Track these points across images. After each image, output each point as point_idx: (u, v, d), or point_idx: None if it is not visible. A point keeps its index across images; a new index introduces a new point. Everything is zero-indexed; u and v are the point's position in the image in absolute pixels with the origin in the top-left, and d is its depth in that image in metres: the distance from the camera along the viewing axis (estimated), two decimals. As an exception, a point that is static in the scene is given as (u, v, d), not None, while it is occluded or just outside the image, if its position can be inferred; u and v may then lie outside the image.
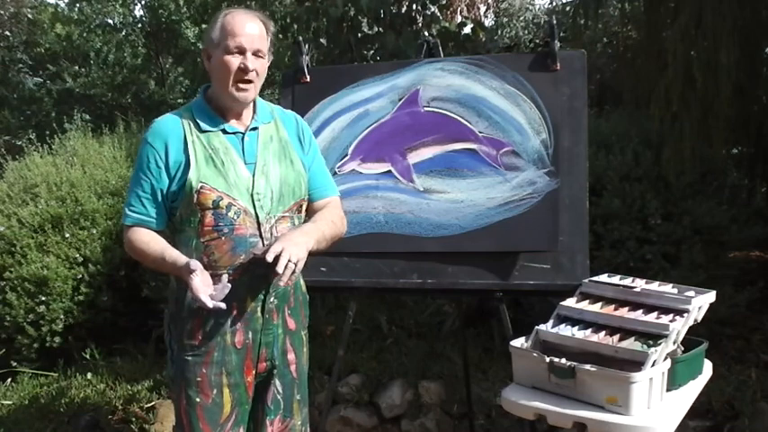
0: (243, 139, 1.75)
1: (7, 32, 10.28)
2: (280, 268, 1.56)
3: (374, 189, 2.32)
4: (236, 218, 1.69)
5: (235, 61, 1.68)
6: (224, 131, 1.74)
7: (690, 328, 1.70)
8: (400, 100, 2.35)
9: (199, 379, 1.71)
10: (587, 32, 4.66)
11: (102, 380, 3.52)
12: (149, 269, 1.97)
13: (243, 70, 1.68)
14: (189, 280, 1.58)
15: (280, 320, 1.76)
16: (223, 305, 1.58)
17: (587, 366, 1.58)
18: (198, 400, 1.72)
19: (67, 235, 3.84)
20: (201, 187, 1.67)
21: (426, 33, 4.74)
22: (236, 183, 1.70)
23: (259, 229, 1.73)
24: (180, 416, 1.76)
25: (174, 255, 1.68)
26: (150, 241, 1.72)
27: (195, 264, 1.60)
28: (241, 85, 1.70)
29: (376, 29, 4.88)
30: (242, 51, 1.68)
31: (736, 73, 2.89)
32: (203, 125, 1.73)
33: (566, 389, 1.62)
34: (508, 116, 2.24)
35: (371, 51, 4.82)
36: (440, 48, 2.46)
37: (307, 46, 2.48)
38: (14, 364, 3.73)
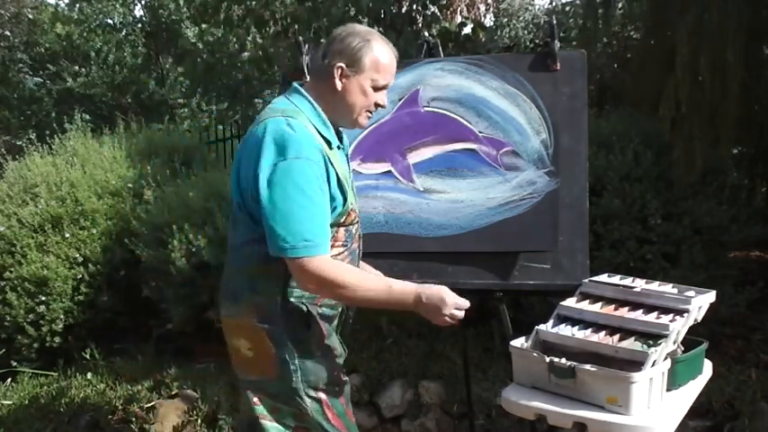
0: (347, 155, 1.80)
1: (7, 32, 10.29)
2: None
3: (374, 189, 2.32)
4: (355, 232, 1.76)
5: (376, 97, 1.71)
6: (338, 147, 1.73)
7: (690, 328, 1.70)
8: (400, 100, 2.35)
9: (345, 378, 1.78)
10: (588, 32, 4.65)
11: (102, 380, 3.52)
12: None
13: (377, 105, 1.73)
14: (448, 304, 1.63)
15: None
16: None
17: (587, 366, 1.58)
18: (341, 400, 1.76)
19: (67, 235, 3.84)
20: (351, 206, 1.70)
21: (426, 33, 4.74)
22: (354, 199, 1.75)
23: (360, 240, 1.82)
24: (326, 418, 1.71)
25: (399, 282, 1.66)
26: (356, 269, 1.67)
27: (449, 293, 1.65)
28: (368, 115, 1.73)
29: (376, 29, 4.88)
30: (384, 88, 1.72)
31: (741, 72, 2.89)
32: (332, 141, 1.68)
33: (566, 389, 1.62)
34: (508, 116, 2.24)
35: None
36: (440, 48, 2.46)
37: (307, 46, 2.48)
38: (14, 364, 3.74)
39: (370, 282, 1.66)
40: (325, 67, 1.67)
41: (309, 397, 1.69)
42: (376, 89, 1.69)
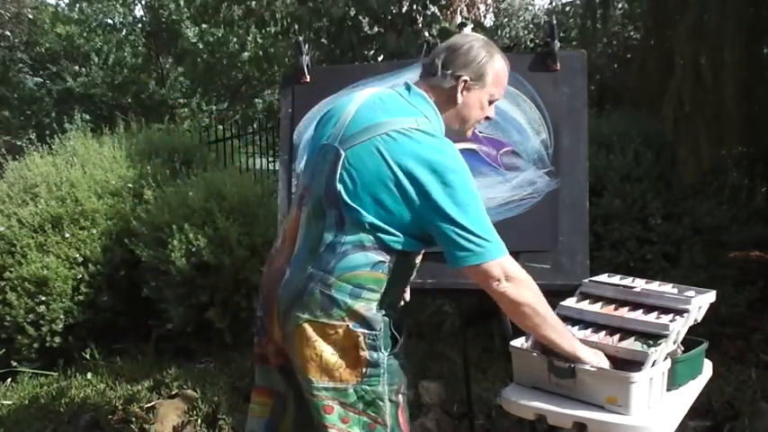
0: None
1: (8, 32, 10.29)
2: None
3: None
4: None
5: (488, 110, 1.72)
6: None
7: (690, 328, 1.70)
8: (400, 100, 2.34)
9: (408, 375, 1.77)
10: (588, 32, 4.66)
11: (102, 380, 3.52)
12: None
13: (486, 118, 1.75)
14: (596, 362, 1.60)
15: None
16: None
17: (587, 366, 1.58)
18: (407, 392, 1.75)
19: (67, 235, 3.84)
20: None
21: (426, 33, 4.74)
22: None
23: None
24: (397, 423, 1.69)
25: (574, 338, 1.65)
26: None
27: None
28: (475, 127, 1.76)
29: (376, 29, 4.88)
30: (497, 101, 1.74)
31: (741, 72, 2.89)
32: None
33: (566, 389, 1.62)
34: (508, 116, 2.23)
35: (372, 51, 4.83)
36: (440, 48, 2.46)
37: (307, 46, 2.47)
38: (14, 364, 3.73)
39: (552, 319, 1.62)
40: (448, 78, 1.66)
41: (391, 401, 1.66)
42: (492, 101, 1.71)
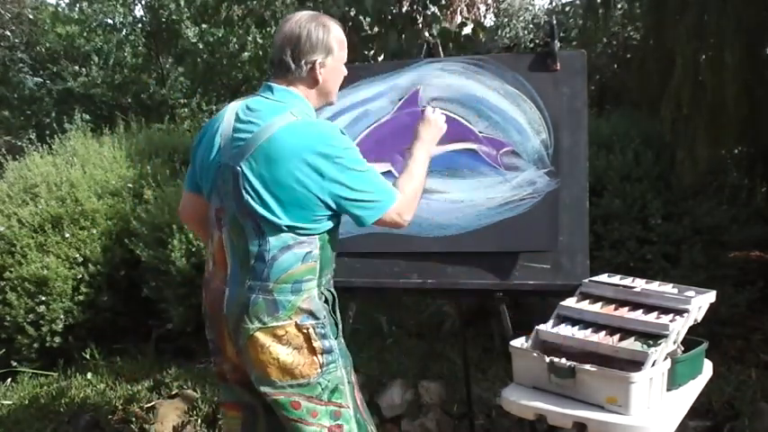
0: None
1: (8, 32, 10.29)
2: None
3: (374, 189, 2.31)
4: None
5: (345, 70, 1.81)
6: None
7: (690, 328, 1.70)
8: (400, 100, 2.35)
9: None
10: (588, 32, 4.66)
11: (102, 380, 3.53)
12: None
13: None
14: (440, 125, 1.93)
15: None
16: None
17: (587, 366, 1.58)
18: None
19: (67, 235, 3.84)
20: None
21: (427, 33, 4.74)
22: None
23: None
24: (356, 403, 1.77)
25: (417, 149, 1.88)
26: (403, 177, 1.80)
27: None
28: None
29: (377, 29, 4.88)
30: None
31: (741, 72, 2.89)
32: None
33: (566, 389, 1.62)
34: (508, 116, 2.24)
35: (372, 51, 4.83)
36: (440, 48, 2.46)
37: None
38: (14, 364, 3.74)
39: (416, 177, 1.80)
40: (303, 68, 1.71)
41: (349, 382, 1.73)
42: (343, 63, 1.79)
